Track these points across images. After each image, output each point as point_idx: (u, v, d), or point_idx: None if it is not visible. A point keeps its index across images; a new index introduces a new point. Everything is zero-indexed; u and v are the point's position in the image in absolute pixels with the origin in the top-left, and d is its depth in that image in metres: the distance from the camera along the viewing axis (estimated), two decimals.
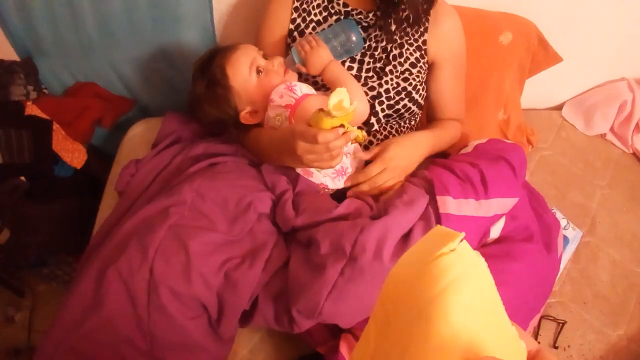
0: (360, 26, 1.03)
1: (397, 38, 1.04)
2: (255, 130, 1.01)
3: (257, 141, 1.00)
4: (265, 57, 1.02)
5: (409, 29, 1.03)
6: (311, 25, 1.07)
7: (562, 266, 1.17)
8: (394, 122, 1.09)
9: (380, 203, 0.91)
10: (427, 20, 1.05)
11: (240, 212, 0.89)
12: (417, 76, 1.06)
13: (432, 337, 0.26)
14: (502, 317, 0.29)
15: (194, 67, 1.01)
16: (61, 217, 1.19)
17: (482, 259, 0.29)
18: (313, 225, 0.87)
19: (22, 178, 1.13)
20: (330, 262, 0.79)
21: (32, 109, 1.16)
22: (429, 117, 1.19)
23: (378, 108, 1.04)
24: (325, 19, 1.06)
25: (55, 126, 1.18)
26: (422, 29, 1.05)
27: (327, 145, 0.81)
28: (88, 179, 1.29)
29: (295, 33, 1.08)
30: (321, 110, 0.82)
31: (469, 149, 1.07)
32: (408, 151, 0.99)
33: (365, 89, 1.04)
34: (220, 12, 1.29)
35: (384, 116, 1.06)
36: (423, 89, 1.09)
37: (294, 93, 0.95)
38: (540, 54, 1.38)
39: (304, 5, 1.07)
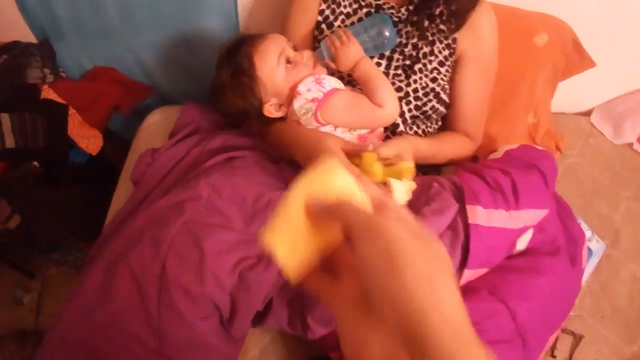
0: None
1: (429, 35, 0.98)
2: (278, 123, 0.96)
3: (280, 136, 0.95)
4: (294, 48, 0.97)
5: (442, 26, 0.97)
6: (340, 18, 1.01)
7: (583, 279, 1.12)
8: (420, 123, 1.03)
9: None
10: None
11: (258, 211, 0.85)
12: (445, 75, 1.00)
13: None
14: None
15: (218, 53, 0.96)
16: (74, 203, 1.15)
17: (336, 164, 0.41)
18: None
19: (35, 163, 1.09)
20: None
21: (48, 93, 1.12)
22: (443, 123, 1.11)
23: (405, 108, 0.99)
24: (355, 11, 1.01)
25: (71, 111, 1.14)
26: (454, 26, 0.98)
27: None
28: (103, 165, 1.25)
29: (324, 25, 1.02)
30: (379, 161, 0.78)
31: (498, 154, 1.01)
32: None
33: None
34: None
35: (411, 117, 1.00)
36: (449, 88, 1.03)
37: (323, 87, 0.89)
38: (575, 58, 1.31)
39: None
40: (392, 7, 0.98)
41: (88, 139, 1.16)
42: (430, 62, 0.98)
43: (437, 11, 0.94)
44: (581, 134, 1.49)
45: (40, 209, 1.09)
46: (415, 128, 1.03)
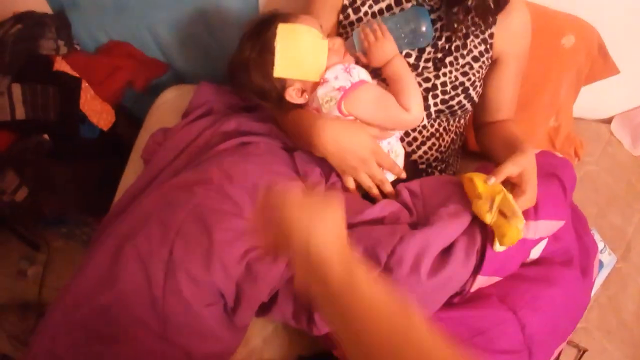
0: None
1: (463, 28, 0.93)
2: (296, 111, 0.92)
3: (296, 124, 0.91)
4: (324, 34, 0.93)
5: (477, 19, 0.92)
6: (368, 2, 0.96)
7: (592, 291, 1.09)
8: (444, 118, 0.99)
9: (421, 208, 0.82)
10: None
11: None
12: (478, 71, 0.96)
13: None
14: None
15: (246, 28, 0.90)
16: (83, 178, 1.12)
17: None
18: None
19: (46, 136, 1.06)
20: None
21: (61, 65, 1.09)
22: (476, 117, 1.08)
23: (431, 102, 0.95)
24: None
25: (84, 85, 1.10)
26: (490, 21, 0.93)
27: None
28: (115, 141, 1.22)
29: (350, 10, 0.97)
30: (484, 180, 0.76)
31: None
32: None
33: (420, 79, 0.94)
34: None
35: (436, 111, 0.96)
36: (480, 86, 0.99)
37: (351, 76, 0.85)
38: (599, 63, 1.26)
39: None
40: None
41: (100, 114, 1.12)
42: (463, 56, 0.94)
43: (473, 3, 0.88)
44: (600, 142, 1.44)
45: (49, 183, 1.06)
46: (437, 125, 0.99)
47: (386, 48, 0.85)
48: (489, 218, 0.73)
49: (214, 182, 0.83)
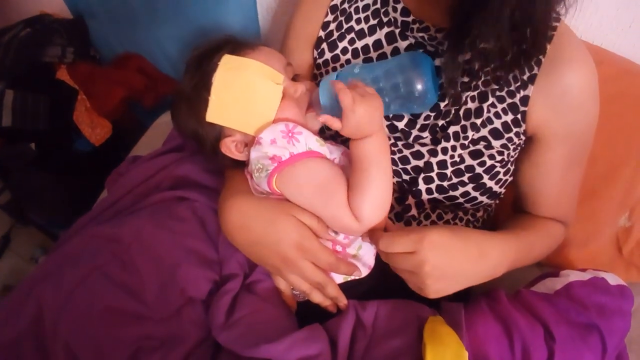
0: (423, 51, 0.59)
1: (480, 84, 0.58)
2: (232, 171, 0.65)
3: (226, 189, 0.63)
4: (295, 77, 0.66)
5: (500, 73, 0.56)
6: (348, 37, 0.65)
7: None
8: (444, 211, 0.65)
9: (361, 351, 0.51)
10: (539, 62, 0.57)
11: (170, 285, 0.59)
12: (500, 152, 0.60)
13: None
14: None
15: (192, 52, 0.64)
16: (68, 191, 1.00)
17: None
18: (240, 357, 0.52)
19: (32, 145, 0.94)
20: None
21: (62, 74, 0.96)
22: (516, 206, 0.71)
23: (422, 187, 0.61)
24: (372, 29, 0.64)
25: (81, 96, 0.96)
26: (525, 76, 0.57)
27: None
28: (112, 156, 1.08)
29: (325, 45, 0.67)
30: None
31: (556, 284, 0.59)
32: (464, 255, 0.51)
33: (407, 152, 0.61)
34: None
35: (431, 201, 0.62)
36: (507, 173, 0.62)
37: (293, 144, 0.55)
38: None
39: (345, 5, 0.66)
40: (426, 29, 0.58)
41: (93, 129, 0.98)
42: (476, 127, 0.59)
43: (497, 46, 0.51)
44: None
45: (32, 191, 0.95)
46: (434, 216, 0.65)
47: (369, 117, 0.52)
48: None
49: (124, 242, 0.63)
